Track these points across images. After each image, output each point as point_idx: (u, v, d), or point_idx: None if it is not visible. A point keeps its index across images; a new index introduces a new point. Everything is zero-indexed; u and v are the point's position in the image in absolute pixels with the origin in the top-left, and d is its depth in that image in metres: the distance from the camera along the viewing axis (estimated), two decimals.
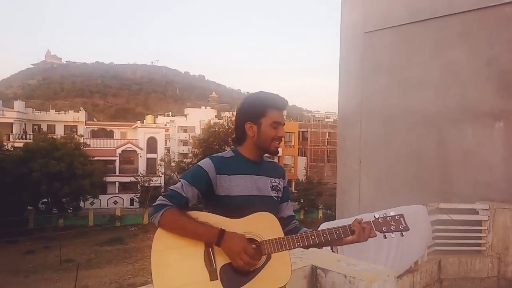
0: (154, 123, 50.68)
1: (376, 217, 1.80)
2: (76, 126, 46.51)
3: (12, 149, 32.83)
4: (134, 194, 37.54)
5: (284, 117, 1.93)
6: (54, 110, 50.98)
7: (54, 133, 40.34)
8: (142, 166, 40.25)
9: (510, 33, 6.28)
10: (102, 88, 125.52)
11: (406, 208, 4.74)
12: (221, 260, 1.62)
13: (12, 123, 41.58)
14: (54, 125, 46.04)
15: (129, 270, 22.01)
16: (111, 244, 27.52)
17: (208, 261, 1.61)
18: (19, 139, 38.96)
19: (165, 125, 51.68)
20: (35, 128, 44.41)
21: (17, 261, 22.91)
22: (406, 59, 7.67)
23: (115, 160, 40.07)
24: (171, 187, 1.77)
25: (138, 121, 51.54)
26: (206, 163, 1.78)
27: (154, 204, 1.70)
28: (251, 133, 1.84)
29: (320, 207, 37.20)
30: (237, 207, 1.74)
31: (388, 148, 7.93)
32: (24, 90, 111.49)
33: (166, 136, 49.81)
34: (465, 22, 6.77)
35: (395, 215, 1.80)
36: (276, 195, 1.90)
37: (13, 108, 43.82)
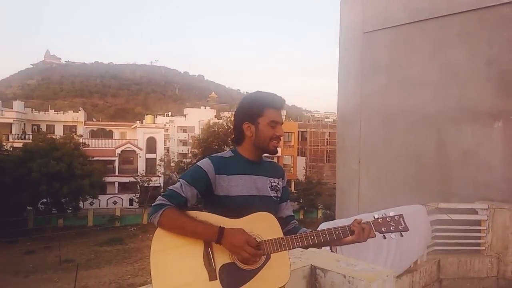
0: (154, 123, 50.64)
1: (376, 217, 1.80)
2: (75, 126, 46.46)
3: (11, 149, 32.77)
4: (134, 194, 37.52)
5: (284, 117, 1.94)
6: (53, 110, 50.95)
7: (54, 133, 40.32)
8: (141, 166, 40.22)
9: (509, 33, 6.28)
10: (102, 88, 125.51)
11: (406, 208, 4.75)
12: (220, 260, 1.62)
13: (11, 123, 41.55)
14: (54, 125, 46.00)
15: (128, 270, 22.00)
16: (110, 244, 27.51)
17: (207, 261, 1.61)
18: (18, 139, 38.91)
19: (165, 125, 51.66)
20: (34, 128, 44.38)
21: (16, 261, 22.90)
22: (405, 59, 7.67)
23: (114, 160, 40.03)
24: (170, 187, 1.77)
25: (138, 121, 51.56)
26: (205, 163, 1.78)
27: (153, 204, 1.70)
28: (249, 133, 1.84)
29: (320, 207, 37.20)
30: (236, 207, 1.74)
31: (387, 148, 7.94)
32: (24, 90, 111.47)
33: (166, 136, 49.79)
34: (465, 22, 6.78)
35: (395, 216, 1.80)
36: (275, 195, 1.90)
37: (12, 108, 43.77)
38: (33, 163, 27.82)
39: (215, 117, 51.54)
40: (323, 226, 2.93)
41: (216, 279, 1.59)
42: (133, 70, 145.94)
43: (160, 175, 40.04)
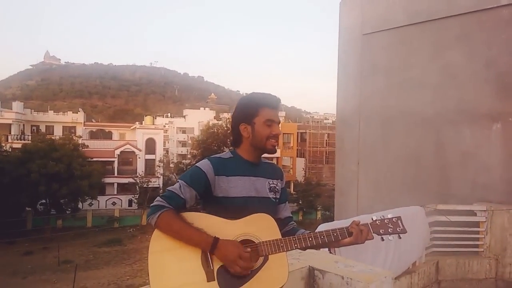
0: (153, 124, 50.69)
1: (374, 219, 1.80)
2: (74, 127, 46.41)
3: (10, 150, 32.78)
4: (133, 195, 37.49)
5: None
6: (52, 111, 50.85)
7: (53, 134, 40.34)
8: (140, 167, 40.20)
9: (508, 35, 6.30)
10: (101, 89, 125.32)
11: (404, 210, 4.76)
12: (218, 261, 1.63)
13: (10, 124, 41.48)
14: (53, 126, 45.91)
15: (127, 271, 21.98)
16: (109, 245, 27.49)
17: (205, 262, 1.62)
18: (17, 140, 38.91)
19: (164, 126, 51.63)
20: (33, 129, 44.33)
21: (15, 262, 22.86)
22: (404, 61, 7.69)
23: (113, 161, 39.99)
24: (169, 188, 1.77)
25: (137, 122, 51.55)
26: (204, 164, 1.79)
27: (152, 204, 1.70)
28: (246, 134, 1.85)
29: (319, 208, 37.20)
30: (235, 208, 1.74)
31: (386, 149, 7.95)
32: (23, 91, 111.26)
33: (165, 137, 49.77)
34: (463, 24, 6.79)
35: (393, 218, 1.81)
36: (274, 196, 1.90)
37: (11, 109, 43.71)
38: (32, 164, 27.81)
39: (214, 118, 51.52)
40: (322, 227, 2.93)
41: (214, 280, 1.60)
42: (133, 71, 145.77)
43: (159, 176, 40.05)
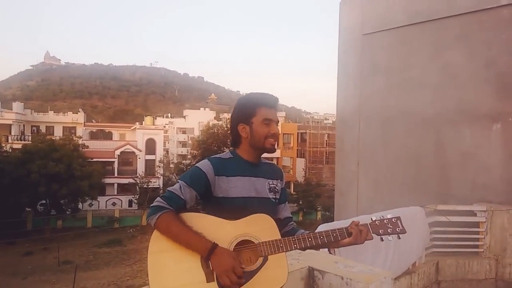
0: (153, 124, 50.66)
1: (373, 219, 1.80)
2: (74, 127, 46.39)
3: (10, 150, 32.81)
4: (133, 196, 37.47)
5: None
6: (52, 112, 50.83)
7: (53, 135, 40.32)
8: (140, 168, 40.20)
9: (508, 35, 6.30)
10: (101, 89, 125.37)
11: (404, 210, 4.76)
12: None
13: (10, 125, 41.49)
14: (53, 126, 45.89)
15: (127, 272, 21.98)
16: (109, 245, 27.49)
17: (205, 262, 1.61)
18: (17, 140, 38.94)
19: (164, 126, 51.66)
20: (33, 130, 44.33)
21: (15, 262, 22.86)
22: (404, 61, 7.69)
23: (113, 162, 39.99)
24: (169, 188, 1.77)
25: (137, 123, 51.50)
26: (204, 165, 1.79)
27: (152, 205, 1.70)
28: (244, 134, 1.85)
29: (319, 208, 37.18)
30: (234, 208, 1.74)
31: (386, 149, 7.95)
32: (23, 92, 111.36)
33: (165, 138, 49.77)
34: (463, 24, 6.79)
35: (392, 218, 1.81)
36: (274, 196, 1.90)
37: (11, 110, 43.70)
38: (32, 164, 27.83)
39: (214, 119, 51.53)
40: (322, 227, 2.93)
41: (214, 280, 1.59)
42: (133, 72, 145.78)
43: (159, 176, 40.05)
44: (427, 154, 7.25)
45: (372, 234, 1.78)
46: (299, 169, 48.00)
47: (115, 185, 39.28)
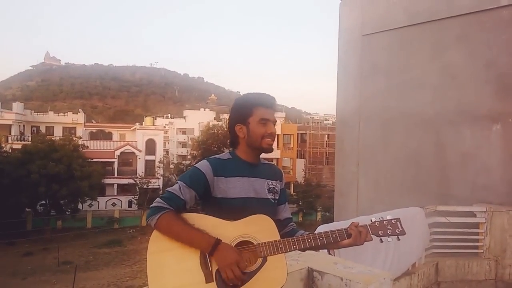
0: (153, 125, 50.65)
1: (373, 220, 1.80)
2: (74, 127, 46.43)
3: (10, 150, 32.83)
4: (133, 196, 37.51)
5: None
6: (52, 112, 50.92)
7: (53, 135, 40.38)
8: (140, 168, 40.23)
9: (508, 35, 6.30)
10: (101, 90, 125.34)
11: (404, 211, 4.75)
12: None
13: (10, 125, 41.51)
14: (53, 126, 45.95)
15: (127, 272, 21.98)
16: (109, 246, 27.49)
17: (204, 263, 1.61)
18: (17, 140, 38.94)
19: (164, 127, 51.61)
20: (33, 130, 44.37)
21: (15, 263, 22.87)
22: (404, 61, 7.69)
23: (113, 162, 40.02)
24: (169, 188, 1.77)
25: (137, 123, 51.55)
26: (203, 165, 1.79)
27: (152, 206, 1.70)
28: (241, 135, 1.85)
29: (319, 209, 37.17)
30: (234, 209, 1.74)
31: (386, 150, 7.94)
32: (23, 92, 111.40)
33: (165, 138, 49.75)
34: (463, 24, 6.79)
35: (392, 219, 1.81)
36: (273, 197, 1.90)
37: (11, 110, 43.75)
38: (32, 165, 27.84)
39: (214, 119, 51.58)
40: (321, 228, 2.93)
41: (213, 281, 1.59)
42: (133, 72, 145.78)
43: (159, 177, 40.08)
44: (427, 155, 7.25)
45: (372, 236, 1.77)
46: (299, 170, 48.02)
47: (115, 186, 39.32)
